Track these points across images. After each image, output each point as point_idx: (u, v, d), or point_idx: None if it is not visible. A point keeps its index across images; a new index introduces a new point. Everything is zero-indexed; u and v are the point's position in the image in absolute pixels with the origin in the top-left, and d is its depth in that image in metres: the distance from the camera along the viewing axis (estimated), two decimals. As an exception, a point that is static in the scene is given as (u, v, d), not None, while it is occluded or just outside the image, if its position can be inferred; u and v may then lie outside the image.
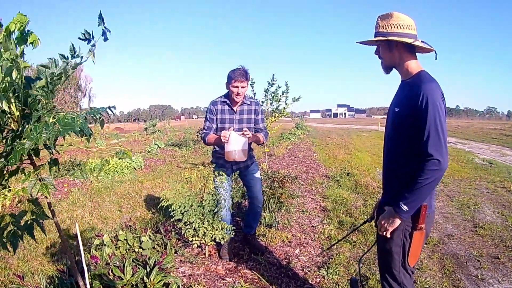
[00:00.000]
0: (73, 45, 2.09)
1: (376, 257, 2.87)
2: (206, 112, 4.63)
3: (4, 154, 1.87)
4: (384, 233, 2.45)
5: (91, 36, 2.07)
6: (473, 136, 28.46)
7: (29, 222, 1.97)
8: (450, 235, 5.68)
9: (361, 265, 4.25)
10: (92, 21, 2.10)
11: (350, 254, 4.81)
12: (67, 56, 2.10)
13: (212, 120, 4.53)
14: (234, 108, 4.53)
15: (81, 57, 2.10)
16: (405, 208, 2.28)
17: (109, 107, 2.13)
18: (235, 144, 4.15)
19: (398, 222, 2.37)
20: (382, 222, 2.45)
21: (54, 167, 2.06)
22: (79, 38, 2.06)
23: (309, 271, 4.36)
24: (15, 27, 1.85)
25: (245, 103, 4.59)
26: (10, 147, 1.85)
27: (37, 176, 1.96)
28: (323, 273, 4.24)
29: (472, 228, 6.05)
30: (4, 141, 1.92)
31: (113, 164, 10.70)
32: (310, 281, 4.12)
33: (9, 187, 2.01)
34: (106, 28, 2.05)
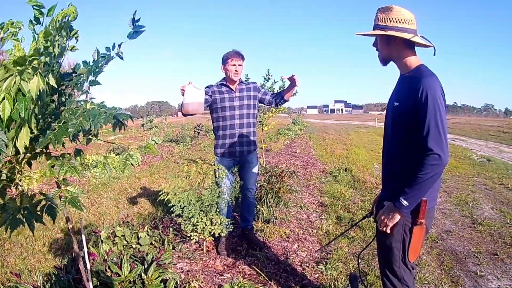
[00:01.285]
0: (97, 50, 2.16)
1: (375, 252, 2.85)
2: None
3: (33, 137, 1.89)
4: (384, 228, 2.42)
5: (112, 47, 2.14)
6: (470, 133, 28.54)
7: (68, 197, 2.01)
8: (449, 231, 5.67)
9: (360, 260, 4.23)
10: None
11: (349, 250, 4.79)
12: (88, 62, 2.15)
13: (205, 93, 4.47)
14: (233, 87, 4.58)
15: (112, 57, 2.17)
16: (405, 203, 2.26)
17: (130, 116, 2.15)
18: (192, 97, 4.08)
19: (398, 217, 2.35)
20: (382, 218, 2.43)
21: (79, 157, 2.13)
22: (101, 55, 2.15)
23: (307, 266, 4.35)
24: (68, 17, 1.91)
25: (242, 83, 4.68)
26: (44, 127, 1.90)
27: (64, 160, 2.03)
28: (322, 269, 4.23)
29: (471, 224, 6.04)
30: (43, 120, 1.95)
31: (110, 160, 10.66)
32: (308, 277, 4.10)
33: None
34: (138, 26, 2.10)
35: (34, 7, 1.84)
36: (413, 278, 2.56)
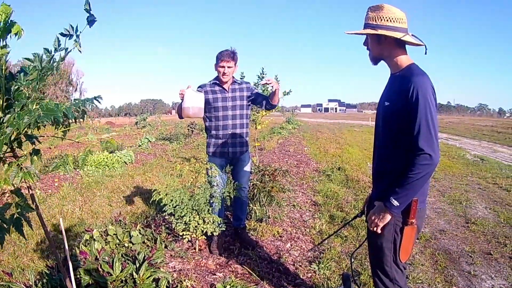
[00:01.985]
0: (58, 38, 2.04)
1: (368, 252, 2.83)
2: None
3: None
4: (375, 228, 2.41)
5: (75, 31, 2.03)
6: (464, 132, 28.65)
7: (15, 216, 1.89)
8: (442, 231, 5.67)
9: (353, 260, 4.22)
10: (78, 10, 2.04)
11: (342, 249, 4.79)
12: (51, 50, 2.05)
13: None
14: (225, 87, 4.56)
15: (66, 49, 2.05)
16: (395, 203, 2.24)
17: (95, 98, 2.08)
18: (191, 101, 4.09)
19: (388, 217, 2.33)
20: (373, 218, 2.41)
21: (36, 157, 2.01)
22: (61, 34, 2.02)
23: (300, 266, 4.33)
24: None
25: (235, 83, 4.65)
26: None
27: (19, 165, 1.91)
28: (315, 268, 4.22)
29: (464, 223, 6.05)
30: None
31: (104, 158, 10.64)
32: (301, 276, 4.08)
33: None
34: (91, 14, 2.01)
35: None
36: (405, 278, 2.55)
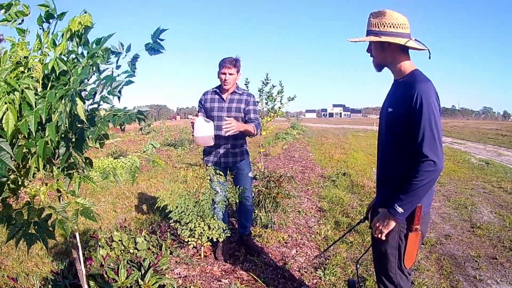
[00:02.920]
0: (110, 49, 2.03)
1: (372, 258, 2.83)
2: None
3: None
4: (379, 235, 2.40)
5: (125, 50, 2.05)
6: (469, 136, 28.56)
7: (79, 211, 2.02)
8: (448, 236, 5.65)
9: (358, 266, 4.21)
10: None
11: (347, 255, 4.78)
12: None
13: (200, 109, 4.64)
14: (224, 97, 4.57)
15: (118, 66, 2.06)
16: (400, 210, 2.24)
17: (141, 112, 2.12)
18: (201, 130, 4.13)
19: (393, 224, 2.32)
20: (377, 225, 2.41)
21: (89, 166, 2.15)
22: (111, 51, 2.02)
23: (305, 272, 4.32)
24: (78, 28, 1.87)
25: (236, 93, 4.61)
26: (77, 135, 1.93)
27: (78, 170, 2.05)
28: (320, 274, 4.21)
29: (470, 228, 6.03)
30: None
31: (108, 164, 10.64)
32: (306, 283, 4.08)
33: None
34: (159, 44, 2.05)
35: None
36: (410, 284, 2.54)
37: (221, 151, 4.55)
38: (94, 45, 1.92)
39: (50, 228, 1.91)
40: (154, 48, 2.04)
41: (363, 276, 4.19)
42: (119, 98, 1.99)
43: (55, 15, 1.86)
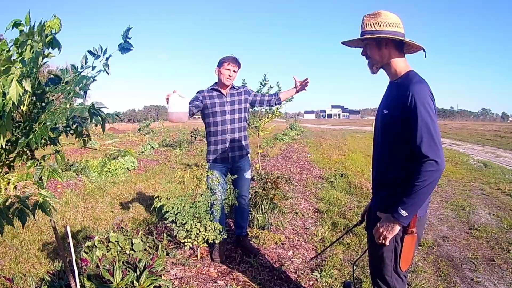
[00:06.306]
0: (86, 56, 2.15)
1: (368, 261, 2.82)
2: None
3: (14, 139, 1.97)
4: (383, 241, 2.37)
5: (102, 52, 2.13)
6: (467, 137, 28.61)
7: (39, 202, 2.01)
8: (445, 237, 5.65)
9: (355, 268, 4.20)
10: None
11: (344, 257, 4.76)
12: (77, 66, 2.18)
13: (196, 98, 4.55)
14: (224, 92, 4.60)
15: (94, 67, 2.16)
16: (404, 213, 2.21)
17: (116, 114, 2.19)
18: (175, 106, 4.06)
19: (397, 228, 2.28)
20: (381, 230, 2.35)
21: (59, 156, 2.12)
22: (89, 52, 2.14)
23: (302, 273, 4.31)
24: (49, 30, 1.96)
25: (234, 88, 4.70)
26: (25, 130, 1.97)
27: (41, 162, 2.06)
28: (317, 276, 4.19)
29: (467, 230, 6.02)
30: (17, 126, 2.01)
31: (90, 164, 10.65)
32: (303, 284, 4.06)
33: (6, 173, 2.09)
34: (128, 42, 2.10)
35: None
36: (406, 286, 2.53)
37: (228, 145, 4.58)
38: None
39: (10, 216, 1.95)
40: (125, 47, 2.13)
41: (360, 278, 4.18)
42: (85, 92, 2.11)
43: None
